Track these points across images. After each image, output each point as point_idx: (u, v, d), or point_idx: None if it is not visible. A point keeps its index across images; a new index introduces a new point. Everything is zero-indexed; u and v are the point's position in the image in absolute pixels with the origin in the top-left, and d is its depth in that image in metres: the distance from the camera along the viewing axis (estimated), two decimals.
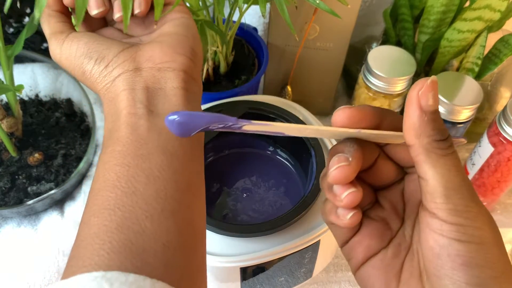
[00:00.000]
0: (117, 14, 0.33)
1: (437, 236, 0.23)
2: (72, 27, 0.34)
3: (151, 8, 0.34)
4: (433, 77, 0.24)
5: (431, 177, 0.23)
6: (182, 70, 0.31)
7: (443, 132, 0.24)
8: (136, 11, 0.33)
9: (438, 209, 0.23)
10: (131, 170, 0.27)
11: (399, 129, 0.25)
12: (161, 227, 0.25)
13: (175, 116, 0.23)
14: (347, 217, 0.26)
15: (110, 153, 0.28)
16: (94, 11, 0.32)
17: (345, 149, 0.25)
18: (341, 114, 0.25)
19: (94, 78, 0.31)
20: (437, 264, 0.23)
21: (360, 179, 0.29)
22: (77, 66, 0.32)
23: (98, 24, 0.35)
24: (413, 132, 0.24)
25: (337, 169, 0.25)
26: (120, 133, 0.28)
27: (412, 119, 0.24)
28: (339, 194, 0.25)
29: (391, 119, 0.26)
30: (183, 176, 0.28)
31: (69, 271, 0.24)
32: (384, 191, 0.29)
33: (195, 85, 0.32)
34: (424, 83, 0.23)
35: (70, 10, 0.35)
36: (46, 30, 0.34)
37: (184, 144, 0.29)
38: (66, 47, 0.32)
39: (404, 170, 0.29)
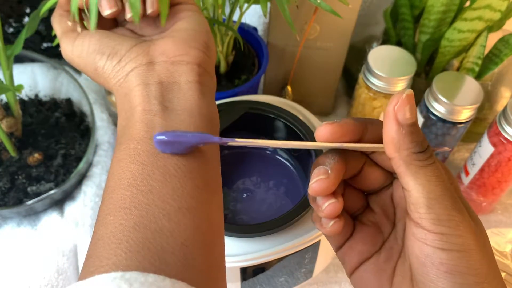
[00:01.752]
0: (129, 14, 0.32)
1: (422, 245, 0.24)
2: (84, 26, 0.34)
3: None
4: (408, 91, 0.24)
5: (412, 188, 0.24)
6: (196, 63, 0.31)
7: (422, 144, 0.25)
8: (149, 11, 0.32)
9: (421, 219, 0.24)
10: (146, 168, 0.26)
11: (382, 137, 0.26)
12: (179, 225, 0.25)
13: (162, 137, 0.26)
14: (329, 225, 0.27)
15: (125, 150, 0.28)
16: (106, 11, 0.32)
17: (326, 161, 0.26)
18: (323, 130, 0.26)
19: (107, 74, 0.31)
20: (422, 271, 0.24)
21: (349, 185, 0.29)
22: (89, 63, 0.32)
23: (110, 25, 0.35)
24: (392, 146, 0.25)
25: (316, 182, 0.26)
26: (135, 130, 0.28)
27: (390, 133, 0.25)
28: (321, 205, 0.26)
29: (374, 128, 0.27)
30: (200, 173, 0.28)
31: (86, 271, 0.24)
32: (374, 195, 0.30)
33: (209, 78, 0.32)
34: (400, 97, 0.24)
35: (85, 10, 0.35)
36: (58, 29, 0.34)
37: None
38: (78, 45, 0.32)
39: (393, 175, 0.29)
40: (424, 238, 0.24)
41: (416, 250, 0.24)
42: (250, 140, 0.26)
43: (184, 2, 0.34)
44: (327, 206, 0.26)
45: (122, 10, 0.33)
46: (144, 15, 0.33)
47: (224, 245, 0.29)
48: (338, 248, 0.30)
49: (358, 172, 0.28)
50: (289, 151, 0.55)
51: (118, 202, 0.25)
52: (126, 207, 0.25)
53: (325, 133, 0.26)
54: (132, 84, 0.30)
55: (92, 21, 0.31)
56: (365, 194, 0.30)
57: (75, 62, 0.33)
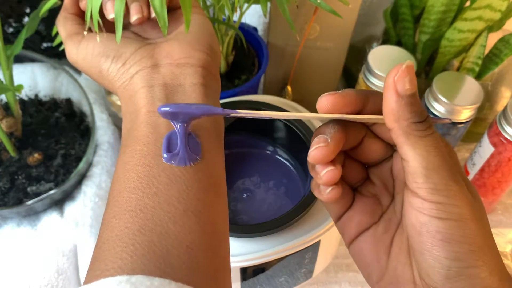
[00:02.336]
0: (134, 17, 0.32)
1: (418, 214, 0.24)
2: (88, 29, 0.34)
3: (167, 10, 0.34)
4: (408, 62, 0.24)
5: (411, 158, 0.24)
6: (200, 66, 0.31)
7: (421, 114, 0.25)
8: (153, 14, 0.33)
9: (419, 188, 0.24)
10: (152, 170, 0.26)
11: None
12: (184, 228, 0.25)
13: (167, 108, 0.26)
14: (326, 192, 0.27)
15: (130, 152, 0.28)
16: (111, 15, 0.32)
17: (326, 131, 0.27)
18: (325, 100, 0.26)
19: (112, 76, 0.31)
20: (419, 240, 0.25)
21: (350, 156, 0.30)
22: (94, 65, 0.32)
23: (113, 28, 0.35)
24: (391, 117, 0.25)
25: (315, 149, 0.26)
26: (140, 132, 0.28)
27: (390, 104, 0.25)
28: (319, 172, 0.27)
29: (375, 100, 0.27)
30: (205, 174, 0.28)
31: (91, 275, 0.24)
32: (374, 168, 0.30)
33: (214, 80, 0.32)
34: (399, 68, 0.24)
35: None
36: (62, 32, 0.34)
37: None
38: (82, 47, 0.32)
39: (393, 148, 0.29)
40: (421, 207, 0.24)
41: (412, 219, 0.25)
42: (252, 112, 0.27)
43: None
44: (325, 173, 0.26)
45: (127, 13, 0.33)
46: (148, 18, 0.33)
47: (229, 248, 0.29)
48: (337, 219, 0.30)
49: (358, 143, 0.29)
50: (289, 150, 0.55)
51: (124, 205, 0.25)
52: (132, 210, 0.25)
53: (327, 104, 0.26)
54: (136, 87, 0.30)
55: (118, 34, 0.31)
56: (365, 166, 0.30)
57: (79, 64, 0.33)
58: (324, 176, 0.26)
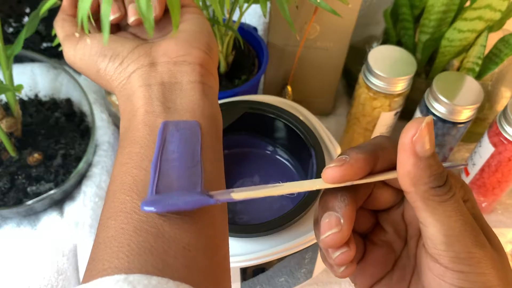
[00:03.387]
0: (131, 18, 0.32)
1: (440, 281, 0.23)
2: (83, 30, 0.34)
3: (165, 12, 0.34)
4: (428, 118, 0.22)
5: (430, 224, 0.23)
6: (198, 63, 0.31)
7: (441, 178, 0.23)
8: (153, 15, 0.33)
9: (439, 255, 0.23)
10: (148, 174, 0.26)
11: (395, 161, 0.24)
12: (180, 230, 0.24)
13: (151, 208, 0.23)
14: (339, 271, 0.25)
15: (128, 154, 0.27)
16: (110, 17, 0.32)
17: (335, 205, 0.24)
18: (331, 173, 0.23)
19: (109, 75, 0.31)
20: None
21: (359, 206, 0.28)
22: (91, 65, 0.32)
23: (112, 30, 0.35)
24: (408, 181, 0.23)
25: (328, 236, 0.24)
26: (138, 133, 0.28)
27: (406, 167, 0.22)
28: (331, 253, 0.25)
29: (386, 155, 0.25)
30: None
31: (89, 274, 0.24)
32: (384, 213, 0.28)
33: (212, 78, 0.32)
34: (418, 127, 0.21)
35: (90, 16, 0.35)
36: (60, 33, 0.34)
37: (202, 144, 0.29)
38: (80, 48, 0.32)
39: (403, 193, 0.28)
40: (442, 275, 0.23)
41: (433, 285, 0.23)
42: (251, 192, 0.24)
43: (186, 5, 0.34)
44: (337, 256, 0.24)
45: (125, 15, 0.33)
46: None
47: (228, 247, 0.28)
48: (355, 267, 0.28)
49: (367, 196, 0.27)
50: (289, 150, 0.55)
51: (119, 206, 0.25)
52: (127, 211, 0.25)
53: (334, 177, 0.23)
54: (134, 86, 0.30)
55: (105, 35, 0.31)
56: (375, 213, 0.29)
57: (77, 65, 0.33)
58: (337, 259, 0.24)
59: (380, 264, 0.27)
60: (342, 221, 0.24)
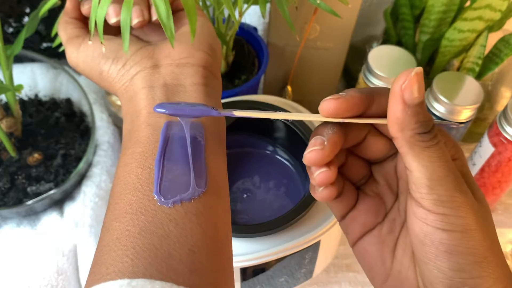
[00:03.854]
0: (135, 20, 0.33)
1: (422, 224, 0.24)
2: (89, 32, 0.34)
3: None
4: (417, 69, 0.23)
5: (415, 168, 0.24)
6: (201, 65, 0.31)
7: (427, 124, 0.24)
8: (154, 18, 0.33)
9: (422, 199, 0.24)
10: (153, 172, 0.26)
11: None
12: (185, 230, 0.25)
13: (162, 110, 0.26)
14: (319, 190, 0.27)
15: (131, 154, 0.27)
16: (113, 19, 0.32)
17: (324, 132, 0.26)
18: (327, 105, 0.25)
19: (112, 77, 0.31)
20: (422, 250, 0.24)
21: (353, 153, 0.29)
22: (94, 67, 0.32)
23: (115, 32, 0.35)
24: (396, 126, 0.24)
25: (310, 152, 0.25)
26: (141, 134, 0.28)
27: (395, 113, 0.24)
28: (313, 172, 0.26)
29: (381, 100, 0.26)
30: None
31: (92, 279, 0.24)
32: (378, 165, 0.29)
33: (215, 80, 0.32)
34: (408, 76, 0.23)
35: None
36: (63, 36, 0.34)
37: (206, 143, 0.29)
38: (83, 50, 0.33)
39: None
40: (425, 218, 0.24)
41: (416, 229, 0.24)
42: (250, 111, 0.27)
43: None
44: (318, 174, 0.26)
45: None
46: (149, 22, 0.33)
47: (231, 249, 0.29)
48: (341, 218, 0.29)
49: (361, 141, 0.28)
50: (289, 150, 0.54)
51: (124, 208, 0.25)
52: (132, 213, 0.25)
53: (329, 109, 0.25)
54: (137, 88, 0.30)
55: (125, 43, 0.31)
56: (369, 164, 0.30)
57: (80, 67, 0.33)
58: (317, 177, 0.26)
59: (371, 213, 0.28)
60: (325, 143, 0.25)
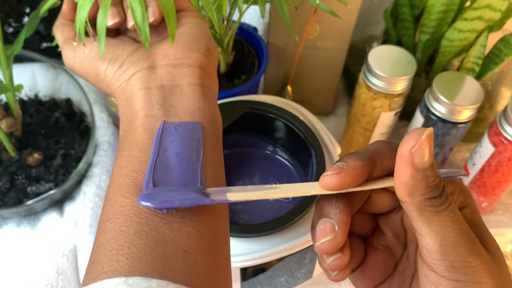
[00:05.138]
0: (131, 23, 0.33)
1: None
2: (85, 34, 0.34)
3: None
4: (428, 130, 0.22)
5: (425, 234, 0.23)
6: (197, 66, 0.31)
7: (437, 189, 0.23)
8: (150, 19, 0.33)
9: (435, 264, 0.23)
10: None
11: (393, 168, 0.24)
12: (180, 233, 0.24)
13: (148, 203, 0.24)
14: (333, 275, 0.25)
15: (126, 157, 0.27)
16: (109, 21, 0.32)
17: (330, 211, 0.24)
18: (329, 181, 0.24)
19: (109, 79, 0.31)
20: None
21: (358, 210, 0.28)
22: (90, 68, 0.32)
23: (112, 34, 0.35)
24: (404, 191, 0.23)
25: (323, 244, 0.24)
26: (138, 137, 0.28)
27: (403, 177, 0.22)
28: (325, 258, 0.25)
29: (383, 162, 0.25)
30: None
31: (88, 278, 0.23)
32: (384, 217, 0.29)
33: (211, 81, 0.32)
34: (418, 139, 0.22)
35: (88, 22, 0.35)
36: (59, 37, 0.35)
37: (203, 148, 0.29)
38: (79, 52, 0.33)
39: None
40: (438, 284, 0.23)
41: None
42: (246, 194, 0.24)
43: (185, 9, 0.34)
44: (331, 261, 0.25)
45: (125, 19, 0.33)
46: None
47: (229, 250, 0.28)
48: (349, 273, 0.28)
49: (365, 201, 0.27)
50: (289, 151, 0.54)
51: (118, 209, 0.25)
52: (126, 214, 0.25)
53: (331, 185, 0.24)
54: (134, 89, 0.30)
55: (101, 46, 0.31)
56: (374, 216, 0.29)
57: (76, 69, 0.33)
58: (331, 263, 0.25)
59: (380, 268, 0.27)
60: (336, 228, 0.24)
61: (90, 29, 0.33)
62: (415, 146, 0.22)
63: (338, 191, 0.24)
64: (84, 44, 0.32)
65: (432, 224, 0.23)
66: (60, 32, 0.35)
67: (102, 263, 0.23)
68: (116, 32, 0.36)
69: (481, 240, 0.24)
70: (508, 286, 0.24)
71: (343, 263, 0.25)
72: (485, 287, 0.22)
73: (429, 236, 0.23)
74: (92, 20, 0.34)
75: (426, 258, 0.23)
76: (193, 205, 0.24)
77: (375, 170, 0.25)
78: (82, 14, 0.31)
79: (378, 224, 0.29)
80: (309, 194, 0.25)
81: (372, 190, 0.27)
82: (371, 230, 0.29)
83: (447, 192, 0.23)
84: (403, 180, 0.22)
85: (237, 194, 0.25)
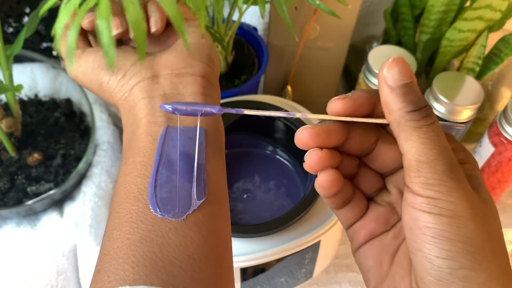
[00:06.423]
0: (133, 33, 0.33)
1: (411, 209, 0.23)
2: (89, 44, 0.35)
3: (166, 25, 0.34)
4: (395, 55, 0.24)
5: (405, 151, 0.23)
6: (200, 75, 0.31)
7: (416, 103, 0.23)
8: (153, 29, 0.33)
9: (411, 182, 0.23)
10: None
11: None
12: (185, 238, 0.25)
13: (169, 106, 0.27)
14: (318, 180, 0.26)
15: (131, 164, 0.28)
16: (113, 32, 0.32)
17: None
18: (334, 105, 0.25)
19: (112, 89, 0.31)
20: (411, 238, 0.23)
21: (365, 165, 0.28)
22: (94, 78, 0.32)
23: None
24: (386, 111, 0.24)
25: (300, 130, 0.26)
26: (141, 143, 0.28)
27: (383, 97, 0.24)
28: (305, 156, 0.26)
29: None
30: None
31: (94, 287, 0.24)
32: (391, 176, 0.28)
33: (213, 90, 0.32)
34: (387, 62, 0.24)
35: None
36: (62, 48, 0.35)
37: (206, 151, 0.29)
38: (83, 62, 0.33)
39: None
40: (413, 202, 0.23)
41: (406, 216, 0.23)
42: (247, 111, 0.27)
43: (187, 19, 0.35)
44: (307, 154, 0.25)
45: (127, 30, 0.33)
46: (148, 33, 0.33)
47: (232, 256, 0.29)
48: (348, 227, 0.29)
49: (371, 148, 0.27)
50: (289, 151, 0.54)
51: (125, 217, 0.26)
52: (133, 221, 0.25)
53: (336, 108, 0.25)
54: (137, 98, 0.30)
55: (71, 67, 0.31)
56: (382, 177, 0.29)
57: (79, 79, 0.33)
58: (307, 157, 0.25)
59: (381, 223, 0.28)
60: (318, 126, 0.25)
61: (92, 40, 0.33)
62: (385, 68, 0.24)
63: (346, 119, 0.25)
64: (72, 64, 0.32)
65: (411, 140, 0.23)
66: (62, 42, 0.35)
67: (108, 272, 0.24)
68: (118, 42, 0.36)
69: (475, 188, 0.24)
70: (492, 226, 0.23)
71: (317, 157, 0.25)
72: (458, 207, 0.22)
73: (408, 152, 0.23)
74: (94, 31, 0.34)
75: (405, 178, 0.23)
76: (202, 112, 0.27)
77: (379, 105, 0.25)
78: (71, 38, 0.30)
79: (385, 185, 0.29)
80: (315, 117, 0.26)
81: (379, 139, 0.27)
82: (378, 191, 0.29)
83: (431, 112, 0.23)
84: (383, 100, 0.24)
85: (245, 110, 0.27)
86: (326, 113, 0.26)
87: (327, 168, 0.26)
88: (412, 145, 0.23)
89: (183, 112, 0.27)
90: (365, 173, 0.28)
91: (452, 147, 0.25)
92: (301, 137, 0.25)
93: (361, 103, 0.25)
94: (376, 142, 0.27)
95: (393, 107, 0.24)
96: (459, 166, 0.23)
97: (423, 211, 0.22)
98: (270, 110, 0.27)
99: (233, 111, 0.27)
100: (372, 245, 0.28)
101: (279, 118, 0.51)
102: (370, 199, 0.29)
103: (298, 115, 0.27)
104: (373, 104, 0.26)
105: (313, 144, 0.25)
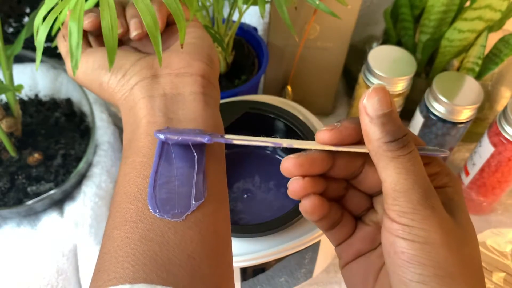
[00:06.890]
0: (133, 32, 0.33)
1: (388, 234, 0.24)
2: (89, 45, 0.35)
3: (166, 26, 0.35)
4: (376, 85, 0.24)
5: (383, 179, 0.24)
6: (200, 75, 0.31)
7: (394, 133, 0.24)
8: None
9: (388, 209, 0.24)
10: None
11: None
12: (185, 238, 0.25)
13: (162, 135, 0.27)
14: (303, 204, 0.27)
15: (131, 164, 0.28)
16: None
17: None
18: (322, 136, 0.26)
19: (112, 88, 0.32)
20: (389, 261, 0.24)
21: (353, 187, 0.29)
22: (94, 78, 0.32)
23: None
24: (366, 139, 0.25)
25: (284, 159, 0.26)
26: (141, 143, 0.28)
27: (363, 127, 0.25)
28: (288, 184, 0.27)
29: None
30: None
31: (94, 286, 0.24)
32: (379, 196, 0.29)
33: (213, 89, 0.32)
34: (367, 92, 0.24)
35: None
36: (63, 49, 0.35)
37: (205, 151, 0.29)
38: (83, 62, 0.33)
39: None
40: (390, 228, 0.24)
41: (384, 240, 0.25)
42: (244, 137, 0.28)
43: (187, 19, 0.35)
44: (289, 183, 0.26)
45: (127, 30, 0.34)
46: (146, 34, 0.33)
47: (232, 255, 0.29)
48: (337, 245, 0.30)
49: (358, 171, 0.28)
50: (289, 151, 0.55)
51: (124, 216, 0.26)
52: (132, 221, 0.25)
53: (324, 139, 0.26)
54: (137, 97, 0.30)
55: (75, 66, 0.31)
56: (370, 197, 0.30)
57: (80, 79, 0.34)
58: (288, 185, 0.26)
59: (367, 242, 0.29)
60: (302, 155, 0.26)
61: (93, 40, 0.33)
62: (365, 98, 0.24)
63: (329, 148, 0.26)
64: (77, 68, 0.32)
65: (388, 169, 0.24)
66: (62, 43, 0.35)
67: (108, 271, 0.24)
68: (119, 42, 0.36)
69: (452, 212, 0.25)
70: (466, 250, 0.24)
71: (299, 185, 0.26)
72: (431, 235, 0.23)
73: (386, 181, 0.24)
74: (97, 30, 0.34)
75: (384, 206, 0.24)
76: (193, 142, 0.27)
77: None
78: (73, 42, 0.30)
79: (372, 205, 0.30)
80: (303, 146, 0.27)
81: (365, 163, 0.28)
82: (366, 210, 0.30)
83: (409, 142, 0.24)
84: (363, 130, 0.25)
85: (233, 136, 0.28)
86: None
87: (310, 194, 0.27)
88: (389, 174, 0.24)
89: (175, 141, 0.27)
90: (353, 194, 0.29)
91: (436, 171, 0.26)
92: (286, 166, 0.26)
93: (349, 133, 0.26)
94: (363, 165, 0.28)
95: (372, 137, 0.24)
96: (434, 193, 0.24)
97: (399, 237, 0.24)
98: (258, 137, 0.28)
99: (222, 140, 0.28)
100: (358, 263, 0.29)
101: (278, 119, 0.51)
102: (358, 219, 0.30)
103: (284, 144, 0.27)
104: (360, 134, 0.26)
105: (297, 173, 0.26)
